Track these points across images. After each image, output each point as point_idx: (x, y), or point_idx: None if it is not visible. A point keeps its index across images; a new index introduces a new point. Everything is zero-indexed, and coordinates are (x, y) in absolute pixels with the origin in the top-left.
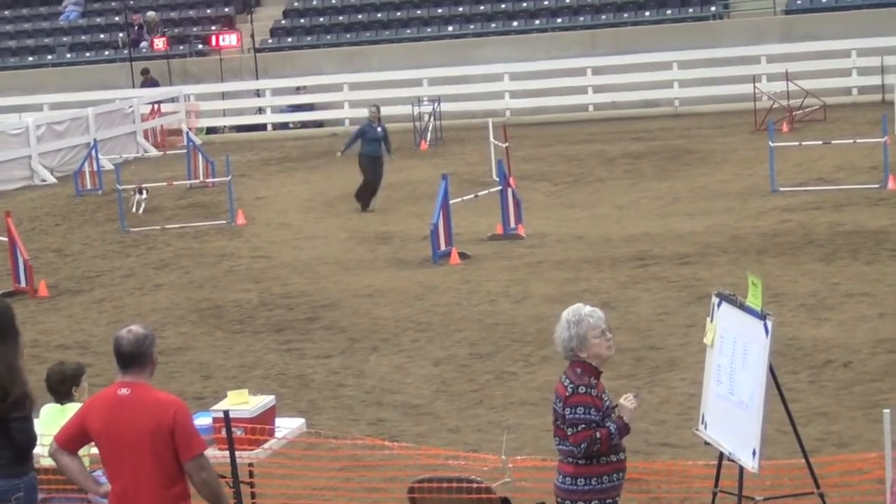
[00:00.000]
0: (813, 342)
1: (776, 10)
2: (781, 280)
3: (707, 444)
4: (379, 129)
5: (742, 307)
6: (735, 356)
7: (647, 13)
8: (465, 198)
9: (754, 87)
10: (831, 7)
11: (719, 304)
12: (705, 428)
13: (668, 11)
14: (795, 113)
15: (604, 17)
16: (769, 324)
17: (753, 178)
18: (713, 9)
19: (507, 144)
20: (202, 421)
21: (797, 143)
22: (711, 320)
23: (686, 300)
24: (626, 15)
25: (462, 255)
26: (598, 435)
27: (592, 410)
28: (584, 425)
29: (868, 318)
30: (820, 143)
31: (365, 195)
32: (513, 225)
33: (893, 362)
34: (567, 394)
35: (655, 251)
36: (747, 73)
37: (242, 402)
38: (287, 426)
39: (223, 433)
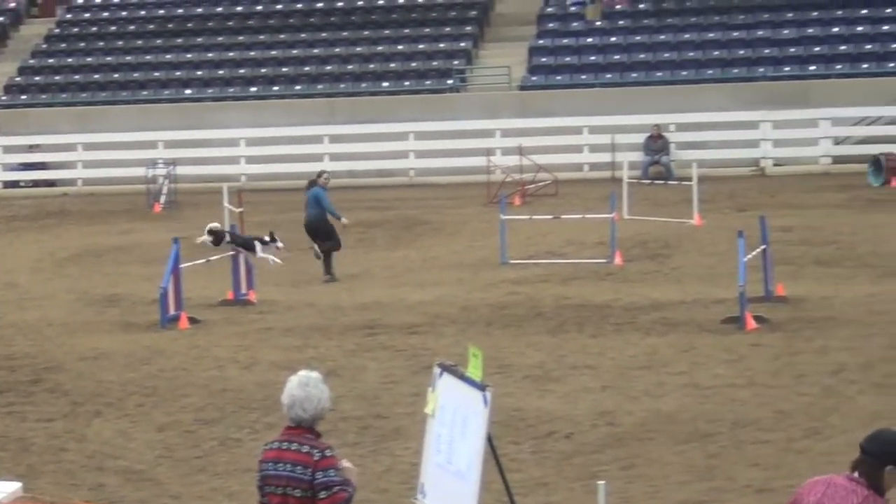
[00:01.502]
0: (537, 413)
1: (511, 85)
2: (508, 351)
3: None
4: None
5: (463, 378)
6: (455, 426)
7: (385, 84)
8: (196, 262)
9: (488, 160)
10: (565, 84)
11: (441, 374)
12: (424, 497)
13: (406, 83)
14: (528, 187)
15: (342, 86)
16: (488, 395)
17: (485, 249)
18: (450, 82)
19: (241, 210)
20: None
21: (528, 217)
22: (433, 390)
23: (413, 369)
24: (364, 85)
25: (191, 320)
26: (346, 495)
27: (338, 472)
28: (338, 487)
29: (591, 391)
30: (550, 217)
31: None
32: (244, 291)
33: (612, 434)
34: (316, 458)
35: (385, 320)
36: (482, 147)
37: None
38: (3, 490)
39: None
